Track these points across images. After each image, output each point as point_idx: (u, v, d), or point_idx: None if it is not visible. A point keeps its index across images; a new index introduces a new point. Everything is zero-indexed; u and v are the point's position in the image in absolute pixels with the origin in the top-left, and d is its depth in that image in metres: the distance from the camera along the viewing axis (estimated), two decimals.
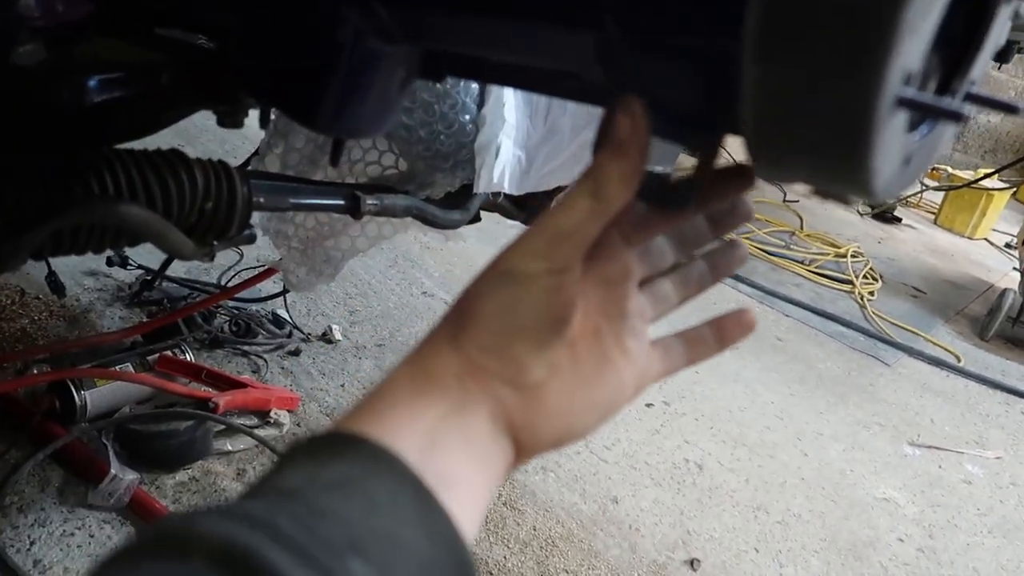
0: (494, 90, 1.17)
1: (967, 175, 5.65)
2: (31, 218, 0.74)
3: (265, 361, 2.13)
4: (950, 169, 6.03)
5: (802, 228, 4.78)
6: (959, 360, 3.47)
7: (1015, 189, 6.73)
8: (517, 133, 1.22)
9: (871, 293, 4.06)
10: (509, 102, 1.19)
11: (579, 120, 1.30)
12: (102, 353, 1.82)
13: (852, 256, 4.44)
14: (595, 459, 2.13)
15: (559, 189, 1.44)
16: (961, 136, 7.49)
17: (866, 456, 2.53)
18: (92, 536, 1.49)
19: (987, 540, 2.25)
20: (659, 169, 0.46)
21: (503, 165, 1.21)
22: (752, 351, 3.05)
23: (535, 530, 1.81)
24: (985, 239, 5.92)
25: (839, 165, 0.34)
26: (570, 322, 0.43)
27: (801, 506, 2.18)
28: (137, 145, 0.90)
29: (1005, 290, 3.90)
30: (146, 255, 2.28)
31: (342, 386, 2.14)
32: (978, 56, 0.44)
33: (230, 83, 0.91)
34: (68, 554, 1.44)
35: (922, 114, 0.37)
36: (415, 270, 2.93)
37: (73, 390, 1.65)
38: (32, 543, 1.44)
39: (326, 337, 2.34)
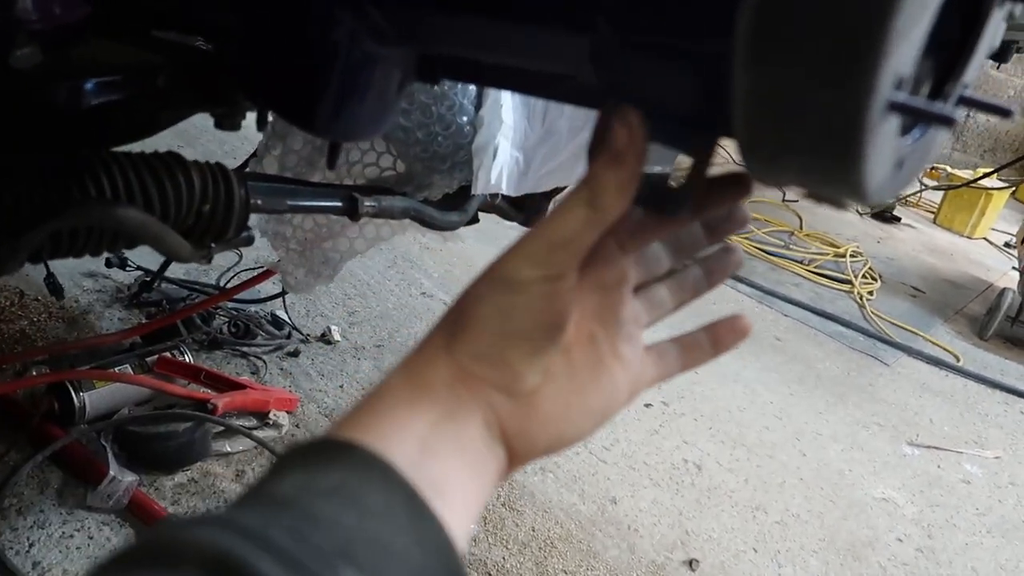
0: (492, 92, 1.17)
1: (966, 174, 5.65)
2: (29, 220, 0.74)
3: (264, 362, 2.13)
4: (949, 168, 6.04)
5: (801, 228, 4.78)
6: (958, 360, 3.47)
7: (1014, 188, 6.74)
8: (515, 134, 1.22)
9: (870, 293, 4.06)
10: (507, 104, 1.19)
11: (576, 121, 1.30)
12: (101, 354, 1.82)
13: (851, 256, 4.45)
14: (594, 460, 2.13)
15: (557, 190, 1.44)
16: (960, 135, 7.49)
17: (865, 456, 2.53)
18: (91, 538, 1.49)
19: (986, 540, 2.26)
20: (658, 169, 0.46)
21: (501, 166, 1.21)
22: (751, 351, 3.05)
23: (534, 531, 1.82)
24: (984, 238, 5.92)
25: (831, 169, 0.35)
26: (565, 329, 0.43)
27: (800, 506, 2.18)
28: (136, 147, 0.90)
29: (1004, 289, 3.91)
30: (145, 256, 2.28)
31: (341, 387, 2.14)
32: (971, 60, 0.44)
33: (227, 85, 0.92)
34: (67, 556, 1.44)
35: (914, 119, 0.37)
36: (414, 271, 2.93)
37: (72, 392, 1.65)
38: (31, 545, 1.44)
39: (325, 338, 2.34)
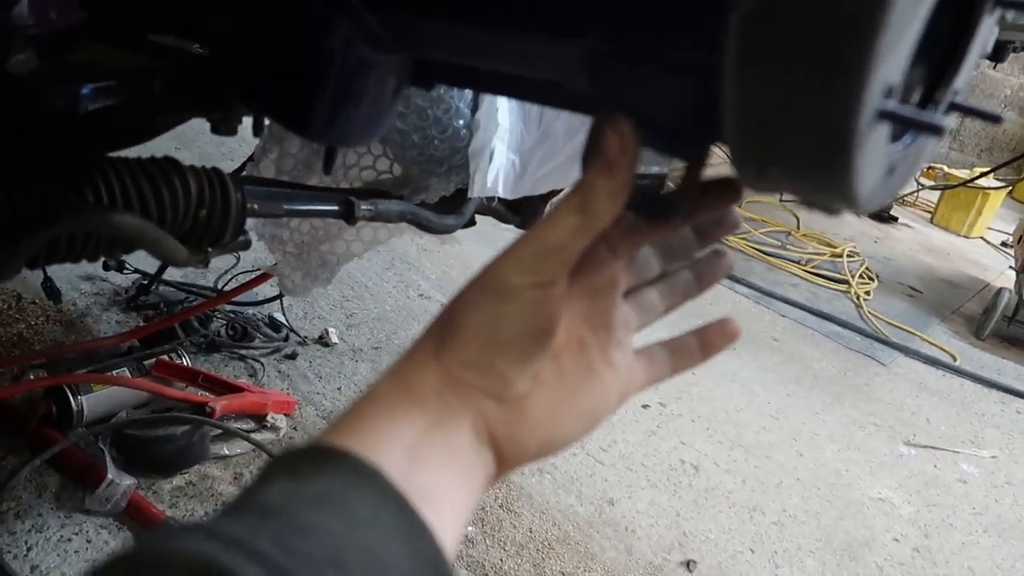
0: (488, 95, 1.17)
1: (963, 174, 5.65)
2: (26, 227, 0.74)
3: (262, 365, 2.14)
4: (946, 168, 6.04)
5: (798, 228, 4.78)
6: (955, 359, 3.48)
7: (1011, 188, 6.74)
8: (511, 137, 1.22)
9: (867, 293, 4.07)
10: (503, 107, 1.19)
11: (573, 124, 1.30)
12: (99, 358, 1.82)
13: (848, 256, 4.45)
14: (591, 461, 2.13)
15: (553, 193, 1.44)
16: (957, 135, 7.50)
17: (862, 456, 2.53)
18: (89, 541, 1.49)
19: (982, 539, 2.26)
20: (655, 170, 0.46)
21: (497, 169, 1.22)
22: (749, 351, 3.06)
23: (531, 532, 1.82)
24: (981, 238, 5.93)
25: (822, 177, 0.35)
26: (554, 335, 0.44)
27: (797, 506, 2.18)
28: (133, 151, 0.91)
29: (1001, 289, 3.91)
30: (142, 260, 2.28)
31: (339, 389, 2.14)
32: (962, 67, 0.45)
33: (224, 90, 0.92)
34: (65, 559, 1.45)
35: (904, 126, 0.37)
36: (412, 272, 2.94)
37: (70, 395, 1.65)
38: (29, 548, 1.44)
39: (323, 340, 2.34)
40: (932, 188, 5.88)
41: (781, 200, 5.12)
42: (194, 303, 2.28)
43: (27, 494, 1.55)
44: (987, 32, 0.46)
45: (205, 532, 0.31)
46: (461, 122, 1.17)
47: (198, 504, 1.64)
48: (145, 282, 2.27)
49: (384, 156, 1.28)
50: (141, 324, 2.15)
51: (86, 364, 1.77)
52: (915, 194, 6.17)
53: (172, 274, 2.33)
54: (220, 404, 1.71)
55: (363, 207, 1.12)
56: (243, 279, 2.29)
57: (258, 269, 2.33)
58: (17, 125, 0.81)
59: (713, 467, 2.27)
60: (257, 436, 1.80)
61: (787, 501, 2.20)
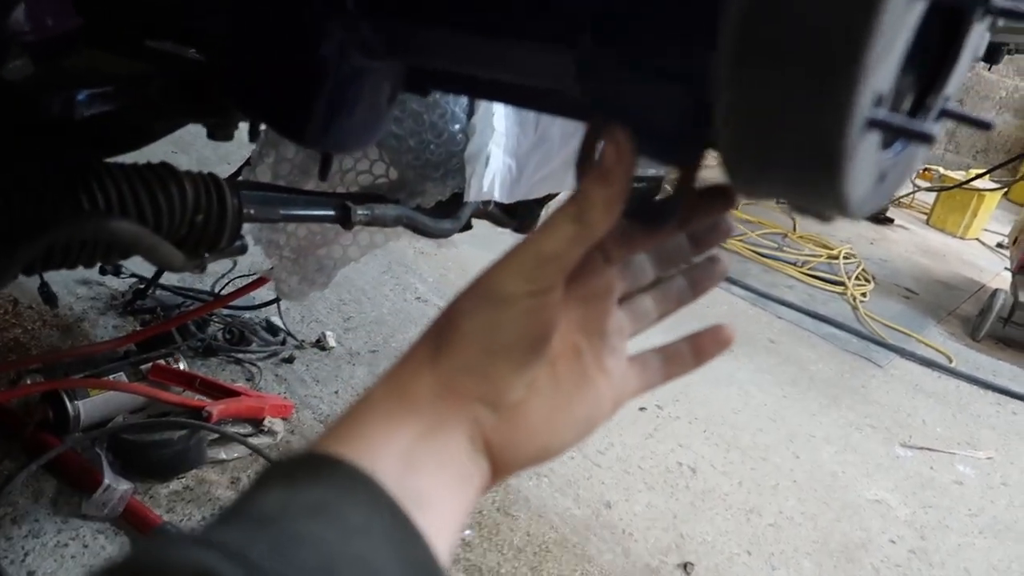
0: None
1: (959, 175, 5.67)
2: (23, 234, 0.75)
3: (259, 369, 2.14)
4: (942, 170, 6.06)
5: (795, 230, 4.79)
6: (951, 361, 3.48)
7: (1006, 189, 6.76)
8: (507, 141, 1.22)
9: (863, 294, 4.08)
10: (498, 111, 1.19)
11: (569, 128, 1.30)
12: (95, 362, 1.82)
13: (844, 257, 4.46)
14: (588, 464, 2.13)
15: (550, 197, 1.45)
16: (952, 136, 7.52)
17: (858, 458, 2.54)
18: (86, 546, 1.49)
19: (978, 541, 2.26)
20: (651, 172, 0.46)
21: (493, 174, 1.22)
22: (745, 353, 3.06)
23: (529, 536, 1.82)
24: (977, 239, 5.94)
25: (813, 185, 0.35)
26: (550, 342, 0.44)
27: (793, 508, 2.19)
28: (131, 154, 0.91)
29: (996, 290, 3.92)
30: (139, 264, 2.27)
31: (336, 393, 2.14)
32: (952, 74, 0.45)
33: (220, 96, 0.92)
34: (62, 565, 1.44)
35: (894, 134, 0.38)
36: (409, 275, 2.94)
37: (66, 400, 1.65)
38: (26, 554, 1.44)
39: (320, 344, 2.34)
40: (928, 190, 5.90)
41: (778, 202, 5.12)
42: (191, 307, 2.28)
43: (24, 499, 1.55)
44: (977, 39, 0.46)
45: (200, 541, 0.31)
46: (457, 126, 1.17)
47: (195, 508, 1.64)
48: (142, 286, 2.27)
49: (380, 160, 1.28)
50: (138, 328, 2.14)
51: (83, 369, 1.77)
52: (911, 196, 6.18)
53: (169, 278, 2.33)
54: (217, 408, 1.71)
55: (359, 212, 1.13)
56: (240, 283, 2.29)
57: (255, 273, 2.33)
58: (14, 131, 0.81)
59: (710, 469, 2.27)
60: (254, 440, 1.80)
61: (784, 503, 2.20)
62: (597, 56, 0.43)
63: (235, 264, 2.54)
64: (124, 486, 1.56)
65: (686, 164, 0.45)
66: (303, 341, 2.33)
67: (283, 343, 2.28)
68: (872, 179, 0.38)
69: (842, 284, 4.14)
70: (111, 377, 1.75)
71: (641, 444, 2.30)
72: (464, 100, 1.17)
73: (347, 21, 0.55)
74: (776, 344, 3.28)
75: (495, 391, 0.43)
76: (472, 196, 1.22)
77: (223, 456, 1.76)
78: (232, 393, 1.83)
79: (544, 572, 1.73)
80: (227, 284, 2.45)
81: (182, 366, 1.89)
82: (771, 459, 2.41)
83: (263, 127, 1.22)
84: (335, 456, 0.38)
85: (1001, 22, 0.51)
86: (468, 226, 1.40)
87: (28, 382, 1.73)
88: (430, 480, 0.40)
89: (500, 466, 0.44)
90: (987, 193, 5.73)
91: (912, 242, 5.49)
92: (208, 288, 2.44)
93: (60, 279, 2.17)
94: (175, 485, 1.68)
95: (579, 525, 1.90)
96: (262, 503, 0.35)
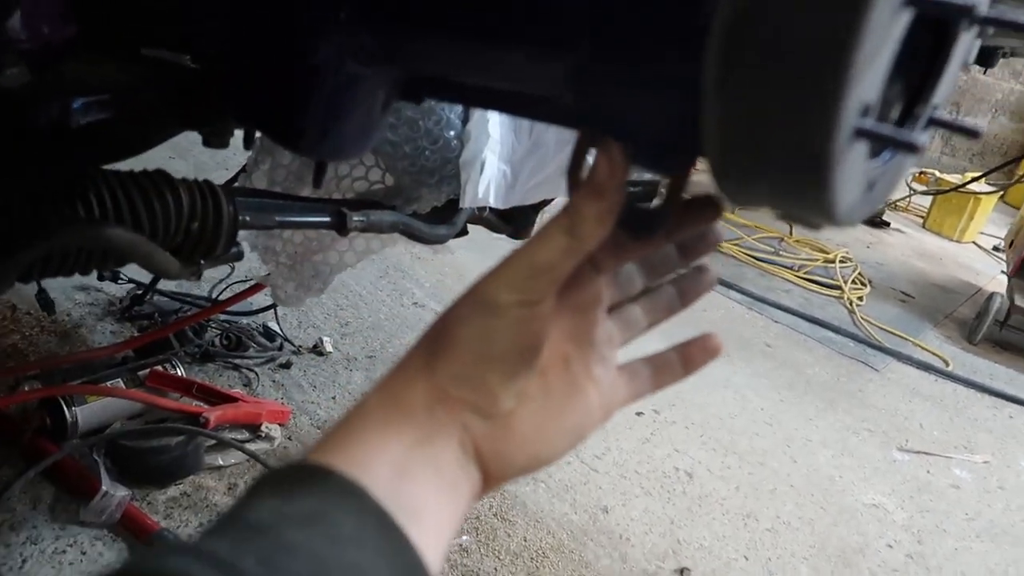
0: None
1: (955, 179, 5.68)
2: (19, 241, 0.75)
3: (256, 374, 2.14)
4: (938, 173, 6.08)
5: (791, 234, 4.80)
6: (947, 364, 3.49)
7: (1002, 192, 6.77)
8: (502, 148, 1.23)
9: (860, 298, 4.08)
10: (493, 117, 1.20)
11: (563, 135, 1.30)
12: (93, 368, 1.82)
13: (841, 261, 4.47)
14: (585, 469, 2.14)
15: (545, 202, 1.45)
16: (949, 140, 7.53)
17: (855, 462, 2.54)
18: (84, 553, 1.49)
19: (975, 544, 2.27)
20: (647, 177, 0.46)
21: (488, 180, 1.22)
22: (742, 357, 3.07)
23: (526, 541, 1.82)
24: (973, 242, 5.96)
25: (801, 194, 0.35)
26: (540, 352, 0.44)
27: (790, 513, 2.19)
28: (128, 160, 0.91)
29: (993, 293, 3.93)
30: (137, 270, 2.26)
31: (333, 398, 2.14)
32: (939, 83, 0.45)
33: (216, 104, 0.92)
34: (60, 572, 1.44)
35: (881, 144, 0.38)
36: (406, 281, 2.94)
37: (64, 406, 1.65)
38: (24, 561, 1.44)
39: (317, 349, 2.34)
40: (924, 193, 5.91)
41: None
42: (188, 313, 2.28)
43: (21, 506, 1.54)
44: (966, 47, 0.47)
45: (192, 551, 0.31)
46: (452, 133, 1.18)
47: (192, 515, 1.64)
48: (139, 292, 2.26)
49: (376, 166, 1.28)
50: (135, 334, 2.15)
51: (80, 375, 1.77)
52: (907, 199, 6.19)
53: (166, 284, 2.33)
54: (214, 414, 1.71)
55: (355, 218, 1.13)
56: (237, 289, 2.29)
57: (252, 279, 2.33)
58: (10, 138, 0.81)
59: (707, 474, 2.27)
60: (251, 446, 1.80)
61: (781, 508, 2.20)
62: (591, 64, 0.44)
63: (232, 270, 2.54)
64: (122, 492, 1.56)
65: (677, 172, 0.46)
66: (300, 346, 2.33)
67: (280, 348, 2.28)
68: (860, 188, 0.38)
69: (838, 288, 4.14)
70: (109, 383, 1.75)
71: (638, 449, 2.30)
72: (459, 107, 1.18)
73: (342, 29, 0.55)
74: (772, 348, 3.28)
75: (487, 399, 0.43)
76: (467, 202, 1.23)
77: (220, 462, 1.76)
78: (229, 399, 1.83)
79: None
80: (224, 289, 2.45)
81: (179, 372, 1.89)
82: (768, 463, 2.41)
83: (258, 134, 1.22)
84: (327, 467, 0.38)
85: (991, 29, 0.51)
86: (464, 232, 1.40)
87: (26, 388, 1.73)
88: (422, 489, 0.40)
89: (491, 475, 0.44)
90: (983, 196, 5.74)
91: (908, 246, 5.50)
92: (205, 294, 2.44)
93: (58, 285, 2.17)
94: (173, 491, 1.68)
95: (576, 530, 1.90)
96: (255, 512, 0.35)
